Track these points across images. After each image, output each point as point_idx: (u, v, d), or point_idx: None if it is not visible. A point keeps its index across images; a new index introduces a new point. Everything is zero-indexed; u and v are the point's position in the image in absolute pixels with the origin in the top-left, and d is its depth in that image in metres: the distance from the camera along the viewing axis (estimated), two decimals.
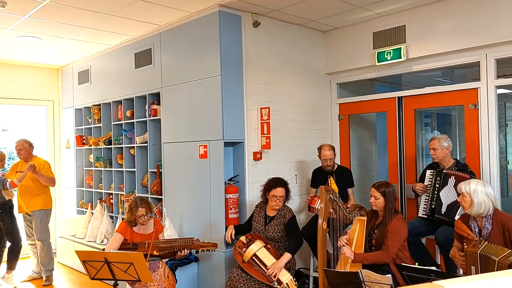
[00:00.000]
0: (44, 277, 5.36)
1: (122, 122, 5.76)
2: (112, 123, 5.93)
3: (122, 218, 5.08)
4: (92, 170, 6.42)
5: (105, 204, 6.02)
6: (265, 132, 4.60)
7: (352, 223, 3.80)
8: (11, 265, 5.36)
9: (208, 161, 4.50)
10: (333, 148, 4.60)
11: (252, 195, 4.56)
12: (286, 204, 4.05)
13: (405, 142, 4.91)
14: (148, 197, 4.98)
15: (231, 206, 4.46)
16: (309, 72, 5.27)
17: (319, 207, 3.89)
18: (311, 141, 5.20)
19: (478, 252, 2.88)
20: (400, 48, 4.63)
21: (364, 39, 5.02)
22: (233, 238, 4.04)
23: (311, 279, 4.56)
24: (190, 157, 4.70)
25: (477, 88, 4.31)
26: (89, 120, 6.52)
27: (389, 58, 4.73)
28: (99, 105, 6.19)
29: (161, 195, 5.13)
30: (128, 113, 5.64)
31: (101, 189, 6.19)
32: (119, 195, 5.83)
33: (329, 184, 4.41)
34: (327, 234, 3.94)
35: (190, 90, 4.70)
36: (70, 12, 4.46)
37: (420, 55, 4.56)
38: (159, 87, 5.11)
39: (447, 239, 3.62)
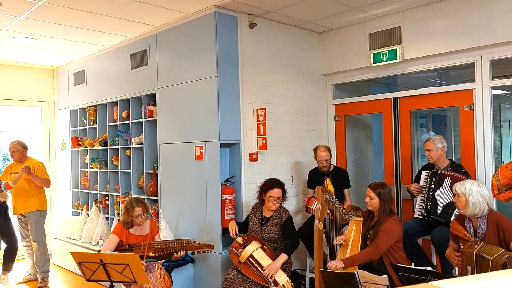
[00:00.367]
0: (39, 279, 5.33)
1: (118, 123, 5.74)
2: (108, 124, 5.90)
3: (118, 220, 5.07)
4: (87, 171, 6.40)
5: (100, 206, 5.99)
6: (261, 133, 4.60)
7: (348, 224, 3.81)
8: (7, 267, 5.33)
9: (204, 162, 4.49)
10: (329, 149, 4.59)
11: (248, 196, 4.56)
12: (282, 205, 4.05)
13: (401, 143, 4.93)
14: (144, 198, 4.95)
15: (227, 207, 4.46)
16: (305, 73, 5.28)
17: (315, 208, 3.89)
18: (307, 142, 5.20)
19: (474, 252, 2.89)
20: (396, 49, 4.65)
21: (359, 40, 5.03)
22: (237, 233, 4.01)
23: (307, 280, 4.56)
24: (186, 158, 4.69)
25: (472, 89, 4.33)
26: (85, 121, 6.49)
27: (384, 59, 4.75)
28: (95, 106, 6.16)
29: (157, 196, 5.11)
30: (124, 114, 5.62)
31: (96, 190, 6.17)
32: (115, 196, 5.81)
33: (325, 185, 4.42)
34: (324, 235, 3.95)
35: (186, 91, 4.70)
36: (65, 13, 4.44)
37: (416, 56, 4.58)
38: (155, 88, 5.10)
39: (442, 239, 3.64)
